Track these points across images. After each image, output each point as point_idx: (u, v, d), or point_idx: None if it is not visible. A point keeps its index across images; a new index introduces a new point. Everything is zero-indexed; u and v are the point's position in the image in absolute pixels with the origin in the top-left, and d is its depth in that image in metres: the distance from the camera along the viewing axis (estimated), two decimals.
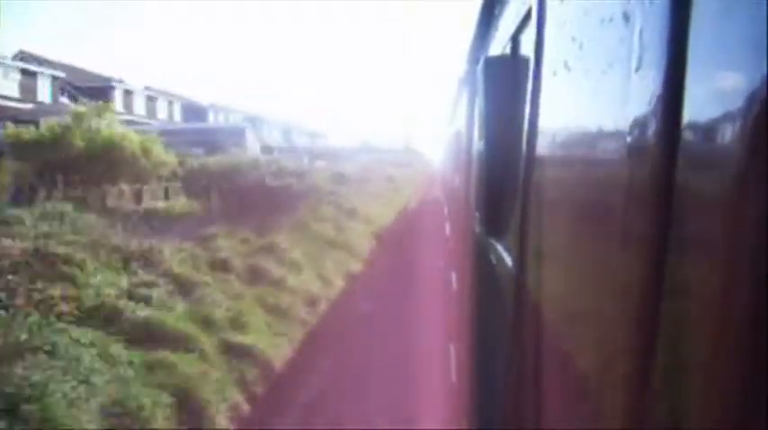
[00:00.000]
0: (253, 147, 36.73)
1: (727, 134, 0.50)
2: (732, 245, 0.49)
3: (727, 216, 0.50)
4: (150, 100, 45.73)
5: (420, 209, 30.80)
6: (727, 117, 0.50)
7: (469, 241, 4.17)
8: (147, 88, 46.52)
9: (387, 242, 21.24)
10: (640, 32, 0.70)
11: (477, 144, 3.16)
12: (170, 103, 49.28)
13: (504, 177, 2.09)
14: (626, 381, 0.70)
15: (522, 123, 1.52)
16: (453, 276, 7.11)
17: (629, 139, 0.72)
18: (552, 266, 1.23)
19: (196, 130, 33.06)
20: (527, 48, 1.71)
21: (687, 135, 0.58)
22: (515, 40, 2.07)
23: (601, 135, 0.89)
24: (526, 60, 1.64)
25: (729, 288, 0.49)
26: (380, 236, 21.73)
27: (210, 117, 52.59)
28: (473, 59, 4.47)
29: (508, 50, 2.25)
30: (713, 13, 0.55)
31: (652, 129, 0.65)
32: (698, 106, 0.57)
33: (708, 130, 0.55)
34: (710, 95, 0.55)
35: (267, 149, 41.08)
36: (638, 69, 0.70)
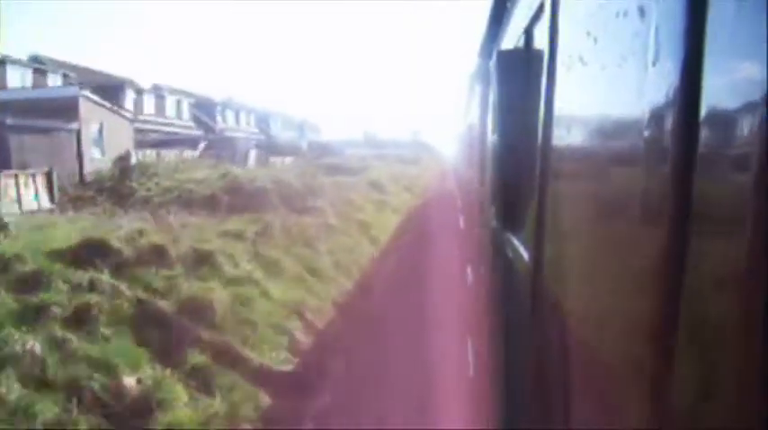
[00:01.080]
0: (113, 134, 20.33)
1: (746, 127, 0.50)
2: (754, 239, 0.49)
3: (748, 209, 0.50)
4: None
5: (421, 255, 14.90)
6: (745, 110, 0.50)
7: (486, 237, 4.08)
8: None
9: None
10: (657, 26, 0.69)
11: (492, 138, 3.16)
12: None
13: (520, 171, 2.04)
14: (648, 373, 0.68)
15: (536, 117, 1.53)
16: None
17: (646, 133, 0.71)
18: (569, 260, 1.21)
19: None
20: (540, 41, 1.70)
21: (705, 128, 0.57)
22: (528, 33, 2.06)
23: (618, 128, 0.88)
24: (539, 54, 1.62)
25: (751, 284, 0.49)
26: None
27: (129, 96, 36.52)
28: (486, 53, 4.48)
29: (521, 44, 2.23)
30: (730, 6, 0.54)
31: (670, 122, 0.64)
32: (716, 99, 0.56)
33: (726, 124, 0.54)
34: (728, 89, 0.54)
35: (157, 142, 24.47)
36: (655, 63, 0.69)
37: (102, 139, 19.80)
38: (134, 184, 15.32)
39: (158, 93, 40.66)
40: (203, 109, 47.15)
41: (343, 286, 12.18)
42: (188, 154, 23.16)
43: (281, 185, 16.04)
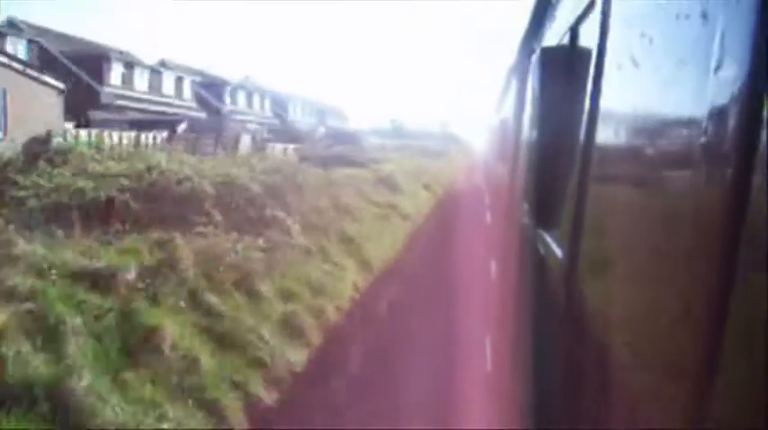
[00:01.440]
0: (26, 108, 15.47)
1: None
2: None
3: None
4: None
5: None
6: None
7: (516, 233, 4.04)
8: None
9: None
10: (723, 32, 0.66)
11: (528, 134, 3.04)
12: None
13: (557, 169, 2.01)
14: (688, 379, 0.66)
15: (578, 115, 1.50)
16: None
17: (702, 139, 0.70)
18: (608, 259, 1.17)
19: None
20: (587, 39, 1.69)
21: (766, 133, 0.56)
22: (574, 31, 2.05)
23: (673, 133, 0.86)
24: (586, 52, 1.61)
25: None
26: None
27: (117, 69, 32.01)
28: (526, 49, 4.42)
29: (565, 41, 2.23)
30: None
31: (729, 129, 0.63)
32: None
33: None
34: None
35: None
36: (717, 69, 0.67)
37: (5, 114, 14.92)
38: (19, 179, 10.56)
39: (154, 68, 36.07)
40: (212, 89, 42.69)
41: (288, 366, 7.16)
42: (145, 138, 18.32)
43: (229, 186, 11.02)
